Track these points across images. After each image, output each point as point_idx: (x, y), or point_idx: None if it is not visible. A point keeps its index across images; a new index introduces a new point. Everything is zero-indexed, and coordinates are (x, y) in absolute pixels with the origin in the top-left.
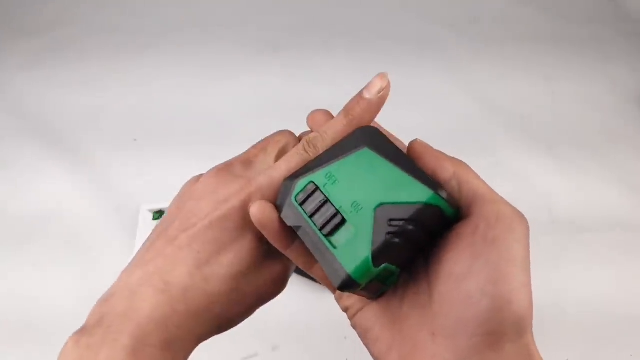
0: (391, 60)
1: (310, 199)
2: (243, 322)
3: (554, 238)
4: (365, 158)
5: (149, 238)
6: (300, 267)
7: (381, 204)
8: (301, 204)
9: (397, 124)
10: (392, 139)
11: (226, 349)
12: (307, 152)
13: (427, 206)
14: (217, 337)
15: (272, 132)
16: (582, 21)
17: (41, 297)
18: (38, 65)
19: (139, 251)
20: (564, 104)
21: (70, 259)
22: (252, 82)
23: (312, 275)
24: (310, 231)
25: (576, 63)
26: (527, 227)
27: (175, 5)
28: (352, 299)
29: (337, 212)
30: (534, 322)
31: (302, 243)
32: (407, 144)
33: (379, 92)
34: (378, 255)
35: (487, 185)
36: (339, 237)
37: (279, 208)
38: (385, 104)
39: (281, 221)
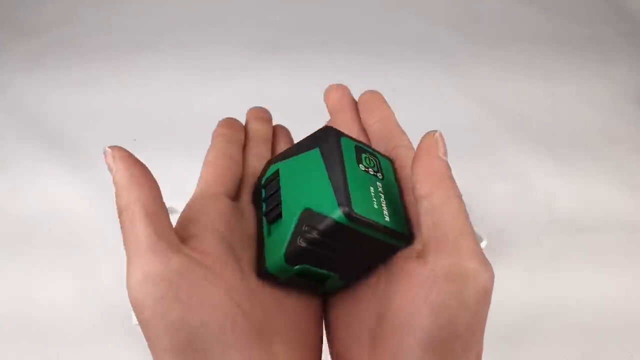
0: (391, 60)
1: (271, 184)
2: None
3: (554, 238)
4: (312, 159)
5: None
6: None
7: (306, 208)
8: (264, 186)
9: None
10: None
11: None
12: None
13: (336, 222)
14: None
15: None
16: (582, 21)
17: (41, 297)
18: (38, 65)
19: None
20: (564, 104)
21: (70, 259)
22: (251, 82)
23: None
24: (261, 212)
25: (577, 63)
26: (485, 294)
27: (174, 5)
28: None
29: (279, 204)
30: (534, 322)
31: None
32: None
33: None
34: (291, 256)
35: (463, 225)
36: (274, 228)
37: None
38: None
39: None
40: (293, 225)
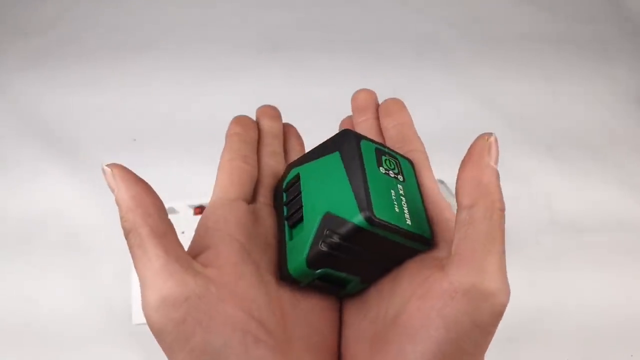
0: (391, 60)
1: (292, 188)
2: None
3: (554, 239)
4: (333, 163)
5: None
6: None
7: (327, 213)
8: (285, 190)
9: None
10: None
11: None
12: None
13: (357, 226)
14: None
15: None
16: (583, 21)
17: (40, 297)
18: (37, 65)
19: None
20: (564, 104)
21: (70, 259)
22: (251, 82)
23: None
24: (282, 216)
25: (577, 63)
26: (500, 315)
27: (174, 5)
28: None
29: (300, 208)
30: (534, 322)
31: None
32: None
33: None
34: (312, 260)
35: (494, 242)
36: (296, 232)
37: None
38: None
39: None
40: (314, 230)
